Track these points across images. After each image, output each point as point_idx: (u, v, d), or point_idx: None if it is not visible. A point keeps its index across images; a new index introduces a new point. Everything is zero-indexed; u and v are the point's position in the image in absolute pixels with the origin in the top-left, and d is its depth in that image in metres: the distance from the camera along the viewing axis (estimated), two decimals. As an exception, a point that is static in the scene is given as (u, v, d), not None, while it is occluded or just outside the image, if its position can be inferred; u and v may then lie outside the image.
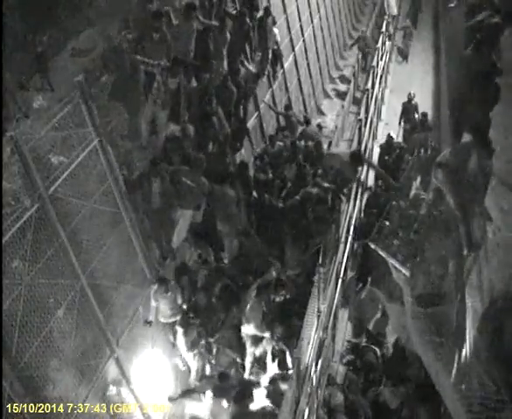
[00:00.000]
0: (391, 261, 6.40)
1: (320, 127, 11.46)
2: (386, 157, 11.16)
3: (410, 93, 12.95)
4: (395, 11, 19.48)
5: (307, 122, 10.44)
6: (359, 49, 16.83)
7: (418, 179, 10.18)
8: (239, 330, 6.42)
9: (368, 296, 7.79)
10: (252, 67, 8.74)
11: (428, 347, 4.65)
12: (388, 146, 11.39)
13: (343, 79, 16.63)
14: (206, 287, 6.74)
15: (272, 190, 8.13)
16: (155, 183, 6.30)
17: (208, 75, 7.64)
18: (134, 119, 6.41)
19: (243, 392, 5.58)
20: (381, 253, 6.72)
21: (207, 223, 7.06)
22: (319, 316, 6.40)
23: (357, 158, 7.66)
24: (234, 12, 9.26)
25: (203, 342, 6.53)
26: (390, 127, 14.09)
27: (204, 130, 7.49)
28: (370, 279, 8.16)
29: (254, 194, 7.77)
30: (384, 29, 15.75)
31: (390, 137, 11.72)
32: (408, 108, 12.84)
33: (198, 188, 6.53)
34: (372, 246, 6.98)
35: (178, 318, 6.58)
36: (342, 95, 15.55)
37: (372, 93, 12.08)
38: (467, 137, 6.80)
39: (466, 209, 6.32)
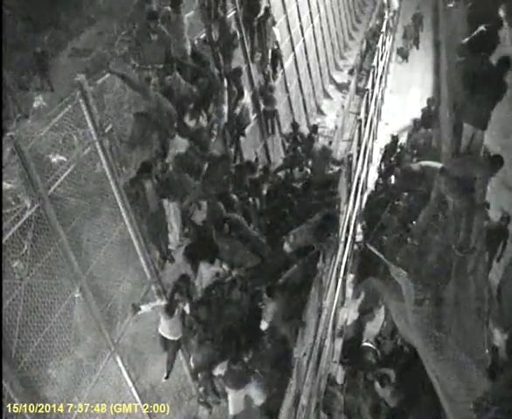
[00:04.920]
0: (388, 262, 6.43)
1: (315, 126, 11.28)
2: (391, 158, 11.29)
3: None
4: (396, 6, 19.53)
5: (295, 127, 10.41)
6: (366, 37, 17.04)
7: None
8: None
9: (367, 287, 7.80)
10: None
11: (428, 342, 4.67)
12: (392, 147, 11.47)
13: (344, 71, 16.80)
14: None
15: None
16: (149, 185, 6.31)
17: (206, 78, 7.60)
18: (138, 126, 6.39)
19: None
20: (377, 254, 6.74)
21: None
22: (319, 315, 6.41)
23: None
24: (233, 13, 9.28)
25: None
26: (390, 126, 14.12)
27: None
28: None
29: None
30: (384, 29, 15.77)
31: (393, 137, 11.81)
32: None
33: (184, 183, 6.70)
34: (370, 247, 7.00)
35: (178, 337, 6.43)
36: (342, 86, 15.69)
37: (372, 93, 12.09)
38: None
39: (466, 211, 6.37)
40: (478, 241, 6.43)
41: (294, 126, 11.00)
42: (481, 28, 6.93)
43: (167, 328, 6.27)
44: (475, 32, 6.99)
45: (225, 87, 8.23)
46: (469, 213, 6.37)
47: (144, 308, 6.02)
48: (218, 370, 6.06)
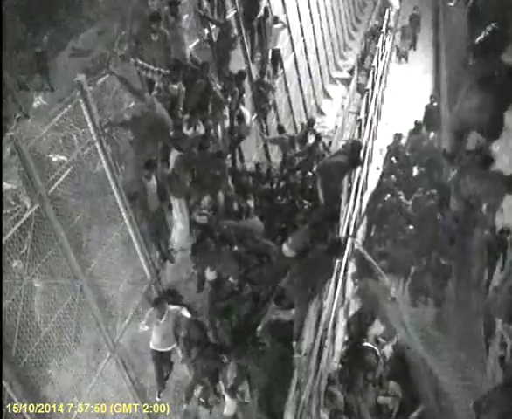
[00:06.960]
0: (376, 266, 6.43)
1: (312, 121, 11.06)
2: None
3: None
4: (397, 6, 19.53)
5: (281, 129, 10.26)
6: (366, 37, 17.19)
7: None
8: None
9: (364, 289, 7.79)
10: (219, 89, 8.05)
11: (425, 343, 4.68)
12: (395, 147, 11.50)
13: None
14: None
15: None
16: (151, 184, 6.29)
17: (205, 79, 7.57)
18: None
19: None
20: (367, 257, 6.72)
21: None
22: (319, 315, 6.41)
23: None
24: (233, 13, 9.27)
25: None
26: (390, 127, 14.11)
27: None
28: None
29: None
30: (384, 29, 15.77)
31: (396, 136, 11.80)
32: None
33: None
34: (361, 250, 6.97)
35: (170, 348, 6.26)
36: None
37: (372, 93, 12.09)
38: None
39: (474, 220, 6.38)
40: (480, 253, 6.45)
41: (280, 129, 10.37)
42: (493, 25, 6.61)
43: (158, 339, 6.06)
44: (486, 32, 6.78)
45: (225, 91, 8.19)
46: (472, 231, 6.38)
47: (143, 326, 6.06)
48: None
